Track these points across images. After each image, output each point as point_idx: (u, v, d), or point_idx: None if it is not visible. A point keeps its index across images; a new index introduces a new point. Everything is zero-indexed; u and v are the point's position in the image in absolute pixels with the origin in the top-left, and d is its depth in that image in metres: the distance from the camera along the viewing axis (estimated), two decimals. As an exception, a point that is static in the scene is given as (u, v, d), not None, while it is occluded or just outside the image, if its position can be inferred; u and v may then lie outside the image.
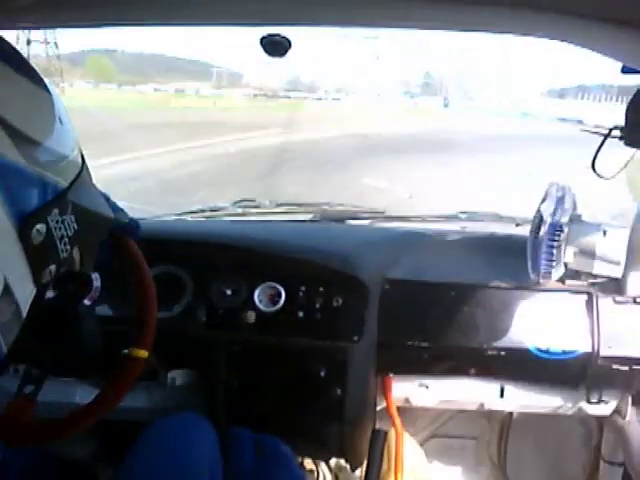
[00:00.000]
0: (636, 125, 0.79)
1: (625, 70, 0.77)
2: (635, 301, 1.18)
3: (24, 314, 0.53)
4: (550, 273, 1.18)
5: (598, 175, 0.99)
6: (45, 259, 0.54)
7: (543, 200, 1.20)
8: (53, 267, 0.55)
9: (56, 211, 0.53)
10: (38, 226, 0.51)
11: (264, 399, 1.18)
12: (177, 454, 0.86)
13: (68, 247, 0.56)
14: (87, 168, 0.62)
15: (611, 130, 0.82)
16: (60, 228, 0.54)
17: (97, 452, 1.37)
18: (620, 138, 0.81)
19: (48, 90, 0.57)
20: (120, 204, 0.84)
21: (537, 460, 1.57)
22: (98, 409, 0.77)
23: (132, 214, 0.86)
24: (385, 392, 1.25)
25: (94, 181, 0.67)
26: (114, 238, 0.82)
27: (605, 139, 0.84)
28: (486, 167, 7.55)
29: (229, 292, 1.21)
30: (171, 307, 1.20)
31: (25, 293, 0.52)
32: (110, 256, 0.82)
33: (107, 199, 0.81)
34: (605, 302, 1.18)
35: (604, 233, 1.15)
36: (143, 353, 0.81)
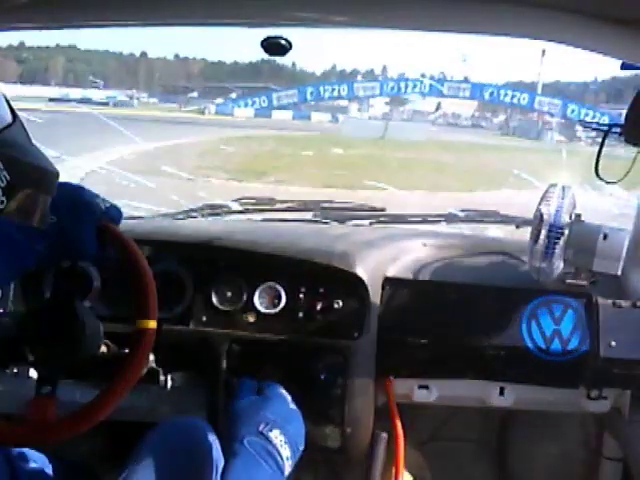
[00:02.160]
0: (636, 123, 0.79)
1: (624, 67, 0.77)
2: (635, 305, 1.18)
3: None
4: (550, 273, 1.18)
5: (601, 179, 0.99)
6: None
7: (543, 200, 1.20)
8: None
9: None
10: None
11: None
12: (180, 458, 0.86)
13: (3, 197, 0.57)
14: (21, 126, 0.63)
15: (610, 128, 0.83)
16: None
17: (97, 453, 1.37)
18: (619, 135, 0.81)
19: None
20: (120, 202, 0.84)
21: (538, 460, 1.57)
22: (121, 387, 0.77)
23: (132, 212, 0.86)
24: (386, 394, 1.24)
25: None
26: (98, 228, 0.81)
27: (605, 137, 0.84)
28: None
29: (229, 293, 1.21)
30: (171, 307, 1.20)
31: None
32: (97, 246, 0.81)
33: (81, 187, 0.81)
34: (605, 304, 1.19)
35: (605, 237, 1.15)
36: (152, 323, 0.80)
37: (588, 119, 20.67)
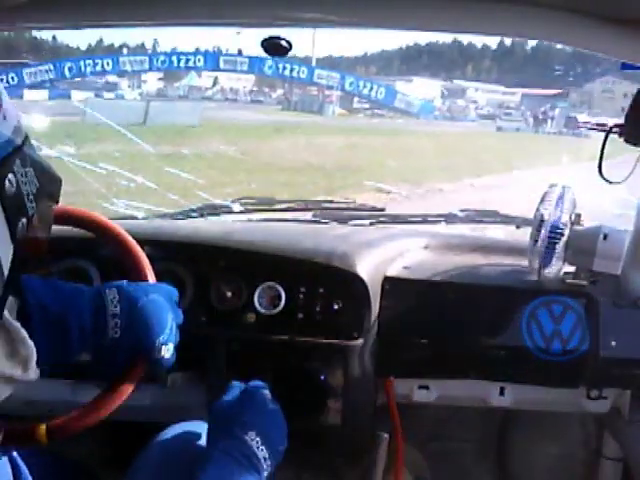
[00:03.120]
0: (636, 123, 0.79)
1: (624, 67, 0.77)
2: (635, 305, 1.18)
3: (6, 272, 0.54)
4: (550, 273, 1.18)
5: (604, 179, 0.98)
6: (18, 212, 0.56)
7: (543, 200, 1.20)
8: (24, 220, 0.57)
9: (18, 162, 0.56)
10: (9, 176, 0.54)
11: None
12: (183, 463, 0.86)
13: (33, 204, 0.58)
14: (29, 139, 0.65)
15: (612, 128, 0.83)
16: (25, 182, 0.57)
17: (98, 453, 1.37)
18: (620, 135, 0.82)
19: None
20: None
21: (538, 460, 1.57)
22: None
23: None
24: (386, 394, 1.24)
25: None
26: None
27: (606, 137, 0.84)
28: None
29: (229, 293, 1.21)
30: None
31: (4, 249, 0.54)
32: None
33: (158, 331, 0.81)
34: (605, 304, 1.18)
35: (605, 237, 1.15)
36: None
37: (366, 91, 20.80)
